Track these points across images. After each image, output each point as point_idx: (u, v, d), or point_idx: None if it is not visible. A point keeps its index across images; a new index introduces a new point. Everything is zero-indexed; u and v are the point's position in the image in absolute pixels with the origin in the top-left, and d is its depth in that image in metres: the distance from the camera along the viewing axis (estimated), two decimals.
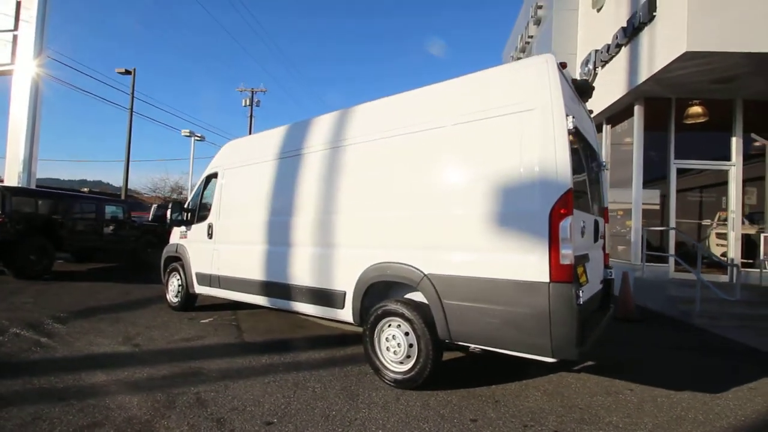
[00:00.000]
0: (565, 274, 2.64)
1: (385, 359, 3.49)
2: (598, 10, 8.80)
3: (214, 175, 5.76)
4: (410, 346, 3.34)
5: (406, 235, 3.40)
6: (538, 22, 11.55)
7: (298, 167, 4.35)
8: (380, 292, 3.71)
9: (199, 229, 5.70)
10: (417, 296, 3.51)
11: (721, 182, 7.87)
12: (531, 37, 12.24)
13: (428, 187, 3.30)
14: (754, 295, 6.29)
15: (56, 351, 4.05)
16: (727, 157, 7.56)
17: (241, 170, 5.14)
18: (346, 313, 3.84)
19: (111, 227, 10.56)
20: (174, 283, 6.08)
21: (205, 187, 5.86)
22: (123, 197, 19.21)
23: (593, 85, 3.75)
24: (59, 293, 7.00)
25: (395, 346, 3.42)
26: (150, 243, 11.89)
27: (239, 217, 5.04)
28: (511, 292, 2.81)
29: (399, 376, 3.36)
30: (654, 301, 6.81)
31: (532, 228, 2.76)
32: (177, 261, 6.11)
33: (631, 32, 7.11)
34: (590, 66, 8.76)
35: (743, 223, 7.65)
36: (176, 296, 6.04)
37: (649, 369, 4.09)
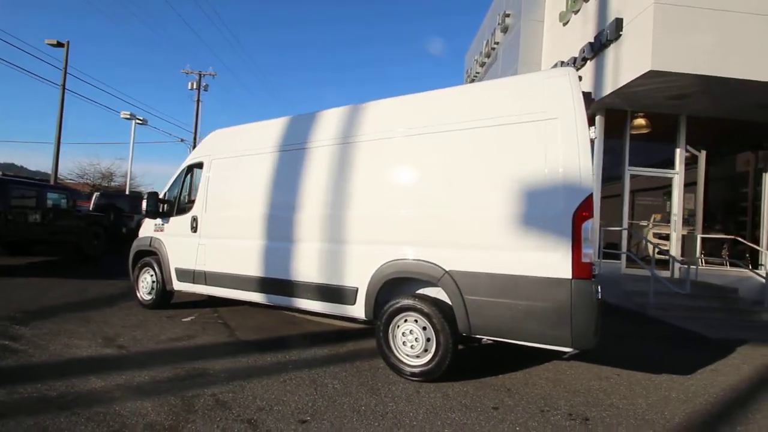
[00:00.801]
0: (586, 272, 2.88)
1: (401, 353, 3.56)
2: (564, 24, 9.43)
3: (198, 166, 5.43)
4: (428, 340, 3.44)
5: (426, 233, 3.48)
6: (505, 30, 12.09)
7: (304, 161, 4.25)
8: (390, 288, 3.76)
9: (179, 222, 5.35)
10: (430, 292, 3.62)
11: (663, 186, 8.85)
12: (497, 43, 12.78)
13: (452, 187, 3.40)
14: (694, 289, 7.18)
15: (31, 356, 3.63)
16: (672, 166, 8.52)
17: (235, 161, 4.90)
18: (357, 309, 3.85)
19: (51, 217, 9.50)
20: (147, 280, 5.66)
21: (185, 178, 5.51)
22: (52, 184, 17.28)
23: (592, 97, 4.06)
24: (1, 291, 6.21)
25: (412, 341, 3.50)
26: (96, 235, 10.88)
27: (232, 211, 4.81)
28: (535, 287, 3.00)
29: (416, 369, 3.45)
30: (611, 295, 7.51)
31: (556, 228, 2.96)
32: (151, 255, 5.69)
33: (598, 48, 7.73)
34: None
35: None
36: (149, 293, 5.63)
37: (623, 356, 4.54)
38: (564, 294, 2.90)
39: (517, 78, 3.48)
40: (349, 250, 3.88)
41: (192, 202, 5.35)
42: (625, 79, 6.90)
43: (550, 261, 2.97)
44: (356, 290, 3.83)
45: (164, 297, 5.56)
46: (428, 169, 3.53)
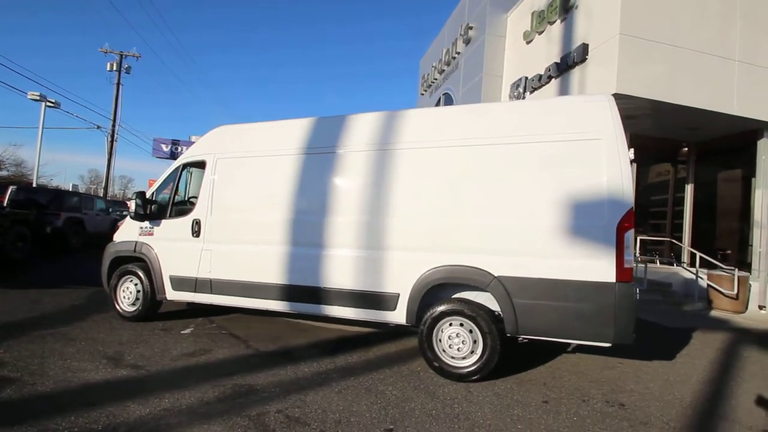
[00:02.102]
0: (628, 276, 3.27)
1: (445, 356, 3.69)
2: (528, 42, 10.23)
3: (198, 165, 5.01)
4: (474, 342, 3.62)
5: (474, 241, 3.65)
6: (467, 42, 12.73)
7: (337, 165, 4.17)
8: (429, 293, 3.86)
9: (175, 225, 4.89)
10: (469, 295, 3.79)
11: None
12: (458, 53, 13.39)
13: (503, 197, 3.60)
14: (640, 284, 8.27)
15: (33, 384, 3.12)
16: None
17: (249, 161, 4.60)
18: (398, 315, 3.89)
19: None
20: (129, 289, 5.07)
21: (179, 177, 5.04)
22: None
23: None
24: None
25: (459, 343, 3.65)
26: (21, 236, 9.35)
27: (248, 215, 4.53)
28: (582, 291, 3.32)
29: (463, 371, 3.60)
30: None
31: (601, 238, 3.31)
32: (135, 262, 5.11)
33: (564, 68, 8.54)
34: (520, 89, 10.14)
35: None
36: (132, 304, 5.05)
37: (611, 348, 5.14)
38: (609, 296, 3.26)
39: (562, 99, 3.81)
40: (391, 256, 3.90)
41: (192, 204, 4.92)
42: None
43: (596, 267, 3.31)
44: (397, 296, 3.87)
45: (152, 308, 5.05)
46: (479, 179, 3.69)
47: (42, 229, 11.12)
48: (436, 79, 15.71)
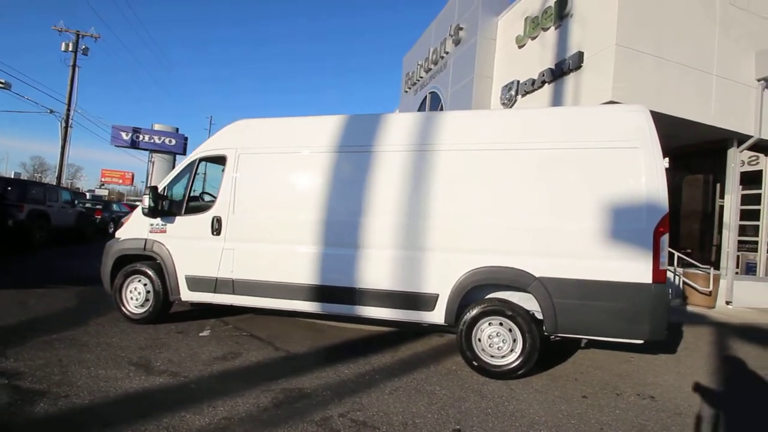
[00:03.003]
0: (663, 277, 3.48)
1: (485, 355, 3.77)
2: (520, 47, 10.52)
3: (218, 159, 4.78)
4: (513, 341, 3.73)
5: (516, 242, 3.74)
6: (457, 42, 12.88)
7: (375, 165, 4.12)
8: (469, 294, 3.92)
9: (191, 223, 4.65)
10: (504, 296, 3.89)
11: None
12: (447, 53, 13.53)
13: (545, 200, 3.71)
14: None
15: (67, 396, 2.88)
16: None
17: (277, 158, 4.45)
18: (436, 315, 3.93)
19: None
20: (138, 290, 4.78)
21: (195, 172, 4.79)
22: None
23: None
24: None
25: (499, 343, 3.75)
26: None
27: (276, 213, 4.37)
28: (620, 291, 3.50)
29: (503, 369, 3.71)
30: None
31: (639, 241, 3.50)
32: (144, 261, 4.82)
33: (559, 74, 8.86)
34: (512, 92, 10.42)
35: None
36: (141, 305, 4.77)
37: (610, 344, 5.44)
38: (645, 296, 3.46)
39: (603, 108, 3.97)
40: (431, 257, 3.92)
41: (212, 200, 4.70)
42: (585, 104, 8.07)
43: (634, 268, 3.49)
44: (436, 297, 3.91)
45: (163, 309, 4.79)
46: (522, 182, 3.78)
47: (3, 222, 10.20)
48: (421, 77, 15.79)
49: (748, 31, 8.66)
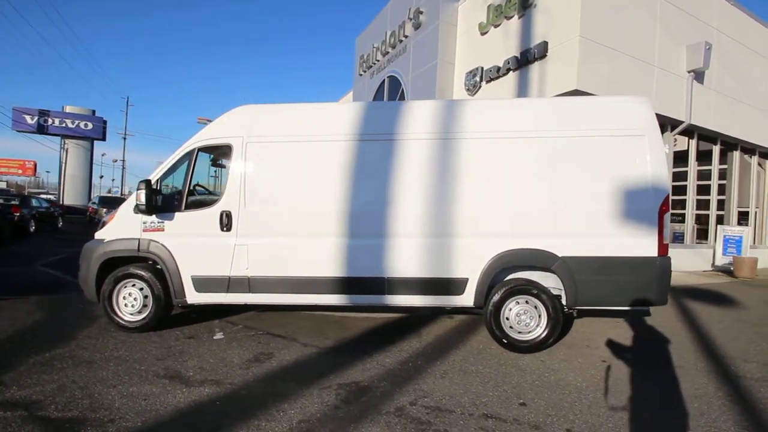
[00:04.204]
0: (666, 251, 3.93)
1: (513, 332, 4.02)
2: (483, 34, 10.83)
3: (220, 149, 4.41)
4: (539, 317, 4.01)
5: (540, 225, 3.97)
6: (417, 26, 12.89)
7: (401, 153, 4.07)
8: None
9: (195, 218, 4.28)
10: (524, 275, 4.15)
11: None
12: (406, 36, 13.51)
13: (565, 185, 3.96)
14: None
15: (113, 421, 2.58)
16: None
17: (292, 147, 4.19)
18: (466, 299, 4.07)
19: None
20: (133, 295, 4.32)
21: (194, 163, 4.38)
22: None
23: None
24: None
25: (526, 319, 4.01)
26: None
27: (296, 205, 4.16)
28: (632, 265, 3.90)
29: (531, 343, 3.99)
30: None
31: (647, 220, 3.90)
32: (139, 263, 4.36)
33: (524, 63, 9.31)
34: (476, 79, 10.76)
35: None
36: (139, 312, 4.33)
37: (598, 311, 6.05)
38: (652, 268, 3.90)
39: (612, 99, 4.28)
40: (460, 243, 4.02)
41: (218, 194, 4.34)
42: (550, 92, 8.62)
43: (643, 244, 3.90)
44: (466, 281, 4.04)
45: (164, 315, 4.40)
46: (545, 168, 3.99)
47: None
48: (378, 61, 15.63)
49: (680, 26, 9.76)
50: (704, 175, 11.69)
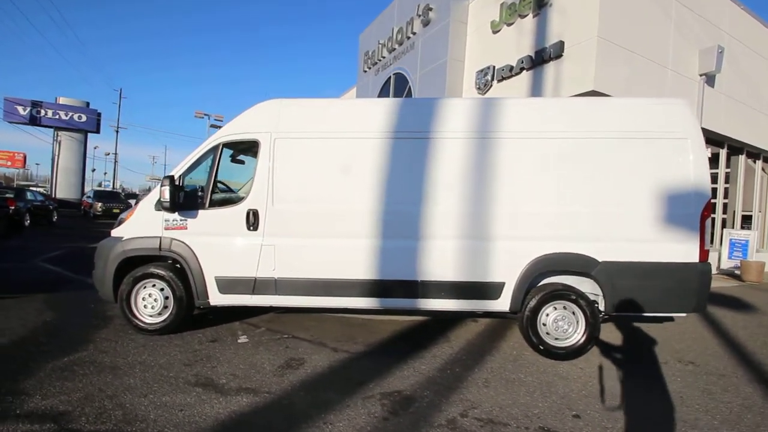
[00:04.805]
0: (706, 256, 3.85)
1: (550, 338, 3.91)
2: (495, 32, 10.71)
3: (246, 144, 4.24)
4: (576, 323, 3.91)
5: (580, 229, 3.86)
6: (426, 23, 12.73)
7: (436, 152, 3.93)
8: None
9: (219, 217, 4.10)
10: (557, 279, 4.04)
11: None
12: (414, 33, 13.34)
13: (607, 187, 3.85)
14: None
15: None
16: None
17: (322, 143, 4.03)
18: (501, 303, 3.95)
19: None
20: (154, 296, 4.14)
21: (220, 159, 4.19)
22: None
23: None
24: None
25: (564, 326, 3.90)
26: None
27: (326, 205, 3.99)
28: (673, 270, 3.81)
29: (567, 351, 3.88)
30: None
31: (689, 225, 3.81)
32: (159, 262, 4.18)
33: (539, 62, 9.21)
34: (488, 78, 10.65)
35: None
36: (159, 314, 4.14)
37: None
38: (693, 274, 3.81)
39: (654, 101, 4.16)
40: (497, 246, 3.89)
41: (245, 191, 4.17)
42: (566, 93, 8.53)
43: (684, 250, 3.81)
44: (502, 285, 3.92)
45: (186, 316, 4.22)
46: (585, 169, 3.87)
47: None
48: (383, 57, 15.44)
49: (693, 29, 9.73)
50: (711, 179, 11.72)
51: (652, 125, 3.93)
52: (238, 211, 4.06)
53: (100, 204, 19.47)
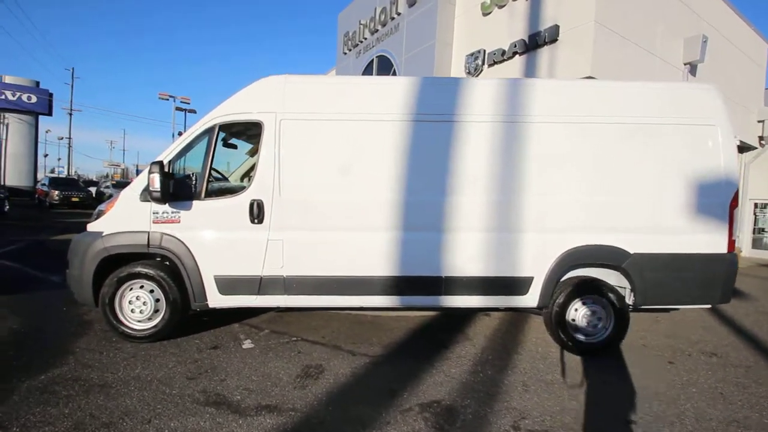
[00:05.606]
0: (733, 247, 3.76)
1: (579, 334, 3.74)
2: (485, 14, 10.39)
3: (247, 126, 3.75)
4: (606, 317, 3.75)
5: (611, 219, 3.66)
6: (412, 3, 12.22)
7: (461, 137, 3.60)
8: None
9: (218, 209, 3.62)
10: (583, 272, 3.86)
11: None
12: (399, 14, 12.81)
13: (637, 175, 3.66)
14: None
15: None
16: None
17: (335, 126, 3.59)
18: (529, 299, 3.73)
19: None
20: (142, 299, 3.63)
21: (215, 143, 3.69)
22: None
23: None
24: None
25: (594, 321, 3.73)
26: None
27: (341, 194, 3.59)
28: (702, 262, 3.70)
29: (594, 346, 3.73)
30: None
31: (718, 215, 3.70)
32: (146, 260, 3.67)
33: (532, 46, 8.99)
34: (478, 62, 10.36)
35: None
36: (149, 319, 3.65)
37: None
38: (721, 265, 3.72)
39: (682, 86, 4.00)
40: (525, 238, 3.64)
41: (246, 179, 3.71)
42: (560, 78, 8.38)
43: (713, 240, 3.70)
44: (531, 279, 3.69)
45: (180, 320, 3.75)
46: (618, 156, 3.66)
47: None
48: (365, 39, 14.83)
49: (679, 18, 9.80)
50: None
51: (683, 111, 3.76)
52: (240, 202, 3.60)
53: (56, 192, 17.94)
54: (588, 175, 3.68)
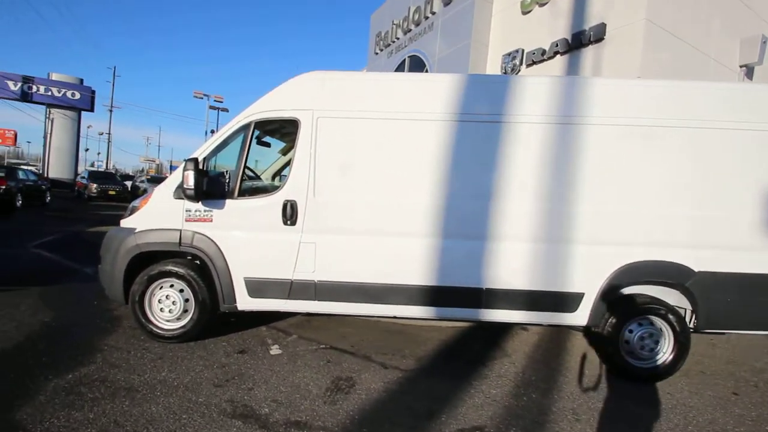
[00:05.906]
0: None
1: (632, 357, 3.40)
2: (525, 13, 10.02)
3: (284, 124, 3.62)
4: (665, 340, 3.39)
5: (674, 233, 3.31)
6: (447, 3, 11.96)
7: (507, 138, 3.34)
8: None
9: (251, 208, 3.50)
10: (638, 290, 3.51)
11: None
12: (434, 13, 12.57)
13: (707, 185, 3.29)
14: None
15: None
16: None
17: (373, 125, 3.41)
18: (578, 317, 3.42)
19: None
20: (172, 298, 3.55)
21: (250, 141, 3.57)
22: None
23: None
24: None
25: (651, 344, 3.39)
26: None
27: (376, 197, 3.40)
28: None
29: (651, 372, 3.38)
30: None
31: None
32: (178, 259, 3.59)
33: (576, 46, 8.57)
34: (516, 62, 9.99)
35: None
36: (178, 319, 3.57)
37: None
38: None
39: (749, 86, 3.59)
40: (577, 251, 3.34)
41: (279, 178, 3.57)
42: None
43: None
44: (581, 296, 3.38)
45: (209, 322, 3.65)
46: (689, 165, 3.31)
47: None
48: (398, 38, 14.66)
49: (736, 17, 9.12)
50: None
51: (755, 115, 3.35)
52: (274, 203, 3.46)
53: (95, 185, 18.66)
54: (654, 185, 3.32)
